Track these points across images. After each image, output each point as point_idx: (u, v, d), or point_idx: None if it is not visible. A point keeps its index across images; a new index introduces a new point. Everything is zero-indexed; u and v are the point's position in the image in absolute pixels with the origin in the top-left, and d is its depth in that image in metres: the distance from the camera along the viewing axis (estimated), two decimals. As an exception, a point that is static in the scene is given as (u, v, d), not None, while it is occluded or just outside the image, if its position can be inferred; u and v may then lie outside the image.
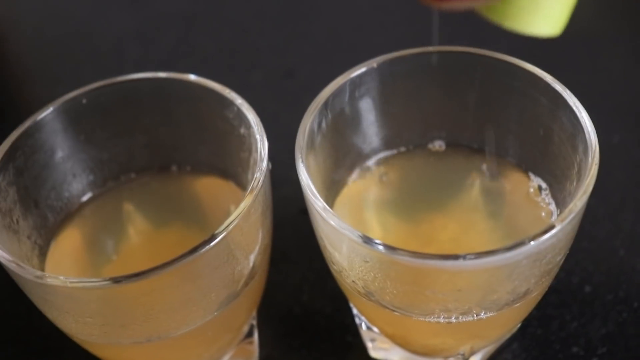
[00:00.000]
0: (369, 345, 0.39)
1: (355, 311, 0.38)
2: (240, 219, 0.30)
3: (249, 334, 0.38)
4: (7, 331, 0.43)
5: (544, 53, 0.54)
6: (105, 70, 0.59)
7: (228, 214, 0.38)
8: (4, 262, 0.30)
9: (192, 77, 0.36)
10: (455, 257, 0.28)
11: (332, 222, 0.29)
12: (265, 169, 0.32)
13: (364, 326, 0.38)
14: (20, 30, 0.66)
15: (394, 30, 0.61)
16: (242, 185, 0.37)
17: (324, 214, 0.30)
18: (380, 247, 0.28)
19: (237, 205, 0.38)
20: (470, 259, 0.28)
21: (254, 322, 0.38)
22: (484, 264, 0.28)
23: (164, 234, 0.38)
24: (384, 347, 0.39)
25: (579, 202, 0.29)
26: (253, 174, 0.33)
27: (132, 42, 0.63)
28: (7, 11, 0.67)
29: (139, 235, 0.38)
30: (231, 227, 0.30)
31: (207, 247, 0.29)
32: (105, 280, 0.29)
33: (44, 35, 0.64)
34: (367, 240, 0.28)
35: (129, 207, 0.39)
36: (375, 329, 0.38)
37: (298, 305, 0.42)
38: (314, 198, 0.30)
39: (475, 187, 0.37)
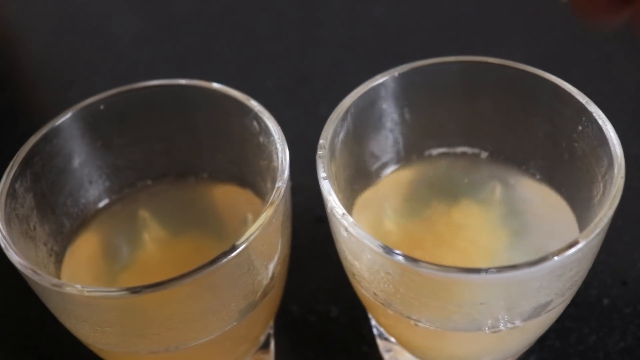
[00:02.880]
0: (386, 356, 0.39)
1: (373, 322, 0.38)
2: (262, 229, 0.30)
3: (265, 344, 0.38)
4: (19, 337, 0.42)
5: (559, 63, 0.54)
6: (118, 74, 0.59)
7: (245, 223, 0.38)
8: (21, 269, 0.30)
9: (212, 84, 0.36)
10: (479, 270, 0.28)
11: (354, 232, 0.29)
12: (287, 179, 0.32)
13: (380, 337, 0.38)
14: (32, 33, 0.66)
15: (407, 38, 0.60)
16: (260, 193, 0.37)
17: (346, 224, 0.29)
18: (402, 259, 0.28)
19: (254, 213, 0.38)
20: (493, 273, 0.27)
21: (271, 332, 0.38)
22: (507, 278, 0.28)
23: (180, 241, 0.38)
24: (400, 358, 0.38)
25: (604, 216, 0.29)
26: (273, 183, 0.32)
27: (145, 46, 0.62)
28: (19, 14, 0.67)
29: (154, 242, 0.38)
30: (253, 237, 0.29)
31: (229, 257, 0.29)
32: (124, 290, 0.28)
33: (56, 38, 0.64)
34: (390, 251, 0.28)
35: (145, 215, 0.38)
36: (392, 339, 0.37)
37: (313, 314, 0.42)
38: (336, 207, 0.30)
39: (494, 197, 0.37)
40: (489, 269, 0.28)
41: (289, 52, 0.60)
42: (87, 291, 0.29)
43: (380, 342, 0.38)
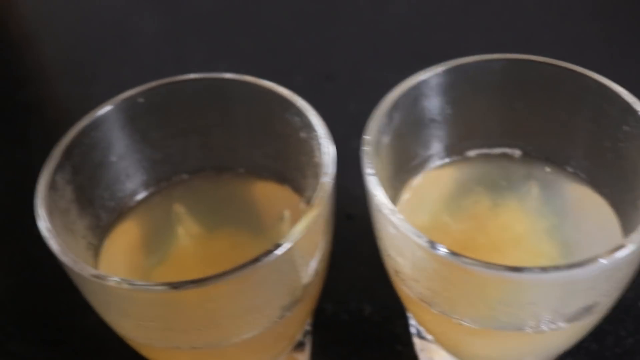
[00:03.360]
0: (420, 355, 0.38)
1: (412, 321, 0.37)
2: (309, 226, 0.29)
3: (300, 343, 0.38)
4: (49, 331, 0.42)
5: (593, 61, 0.54)
6: (143, 69, 0.59)
7: (282, 219, 0.37)
8: (66, 261, 0.30)
9: (253, 78, 0.35)
10: (534, 270, 0.27)
11: (404, 229, 0.29)
12: (332, 174, 0.31)
13: (418, 335, 0.38)
14: (56, 28, 0.65)
15: (434, 34, 0.60)
16: (299, 190, 0.37)
17: (396, 221, 0.29)
18: (457, 258, 0.27)
19: (292, 210, 0.37)
20: (549, 272, 0.27)
21: (309, 329, 0.38)
22: (561, 277, 0.28)
23: (215, 237, 0.37)
24: (436, 357, 0.38)
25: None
26: (315, 179, 0.32)
27: (170, 41, 0.62)
28: (43, 9, 0.67)
29: (190, 237, 0.37)
30: (300, 234, 0.29)
31: (277, 254, 0.29)
32: (165, 285, 0.28)
33: (81, 33, 0.64)
34: (444, 250, 0.28)
35: (180, 209, 0.38)
36: (429, 337, 0.37)
37: (346, 312, 0.42)
38: (384, 204, 0.29)
39: (535, 197, 0.36)
40: (544, 268, 0.27)
41: (315, 48, 0.59)
42: (128, 284, 0.28)
43: (416, 341, 0.38)
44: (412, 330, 0.38)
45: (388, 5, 0.63)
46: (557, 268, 0.28)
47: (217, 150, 0.38)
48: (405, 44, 0.59)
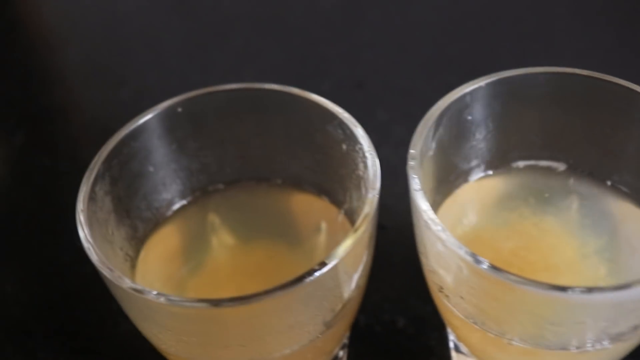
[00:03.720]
0: (457, 370, 0.38)
1: (451, 337, 0.37)
2: (356, 242, 0.29)
3: (336, 355, 0.37)
4: (79, 340, 0.42)
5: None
6: (170, 74, 0.59)
7: (319, 231, 0.37)
8: (106, 273, 0.29)
9: (293, 89, 0.35)
10: (568, 289, 0.27)
11: (454, 248, 0.28)
12: (379, 189, 0.31)
13: (456, 350, 0.37)
14: (82, 33, 0.65)
15: (463, 43, 0.60)
16: (337, 202, 0.36)
17: (445, 238, 0.28)
18: (513, 278, 0.27)
19: (329, 222, 0.37)
20: (605, 292, 0.27)
21: (346, 342, 0.37)
22: (615, 297, 0.27)
23: (252, 248, 0.37)
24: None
25: None
26: (357, 192, 0.32)
27: (197, 46, 0.62)
28: (68, 14, 0.67)
29: (226, 248, 0.37)
30: (347, 250, 0.29)
31: (323, 270, 0.28)
32: (204, 301, 0.27)
33: (106, 38, 0.64)
34: (498, 270, 0.27)
35: (216, 219, 0.38)
36: (465, 350, 0.37)
37: (379, 324, 0.41)
38: (432, 220, 0.29)
39: (580, 212, 0.36)
40: (590, 288, 0.27)
41: (344, 55, 0.59)
42: (166, 299, 0.28)
43: (454, 354, 0.38)
44: (451, 344, 0.38)
45: (417, 13, 0.63)
46: (602, 289, 0.27)
47: (255, 161, 0.38)
48: (435, 51, 0.59)
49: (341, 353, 0.38)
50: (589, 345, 0.30)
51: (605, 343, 0.30)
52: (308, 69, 0.58)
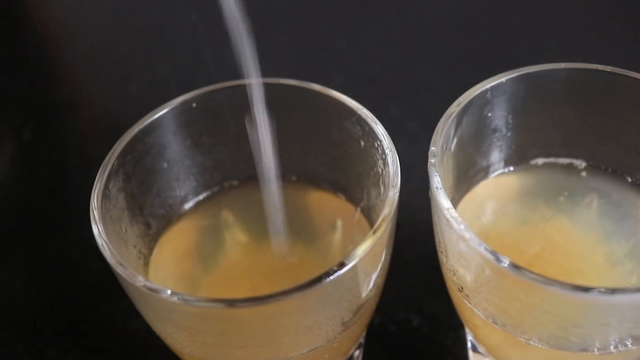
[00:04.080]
0: (473, 370, 0.37)
1: (469, 337, 0.36)
2: (376, 241, 0.28)
3: (351, 355, 0.37)
4: (91, 339, 0.41)
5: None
6: (181, 68, 0.58)
7: (335, 228, 0.36)
8: (120, 271, 0.29)
9: (310, 84, 0.34)
10: (590, 289, 0.26)
11: (477, 247, 0.27)
12: (398, 186, 0.30)
13: (474, 350, 0.37)
14: (91, 27, 0.64)
15: (476, 38, 0.59)
16: (354, 199, 0.36)
17: (468, 238, 0.28)
18: (538, 278, 0.26)
19: (345, 219, 0.36)
20: (608, 293, 0.26)
21: (362, 342, 0.37)
22: (634, 299, 0.27)
23: (266, 244, 0.36)
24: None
25: None
26: (375, 189, 0.31)
27: (207, 40, 0.61)
28: (78, 7, 0.66)
29: (239, 245, 0.36)
30: (367, 249, 0.28)
31: (343, 271, 0.27)
32: (220, 301, 0.27)
33: (116, 32, 0.63)
34: (520, 270, 0.27)
35: (230, 216, 0.37)
36: (482, 350, 0.36)
37: (394, 324, 0.41)
38: (454, 219, 0.28)
39: (601, 210, 0.35)
40: (612, 289, 0.26)
41: (356, 49, 0.58)
42: (180, 299, 0.27)
43: (471, 355, 0.37)
44: (469, 344, 0.37)
45: (429, 8, 0.62)
46: (626, 290, 0.26)
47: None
48: (448, 47, 0.58)
49: (357, 353, 0.37)
50: (612, 347, 0.30)
51: (629, 344, 0.30)
52: (320, 64, 0.57)
